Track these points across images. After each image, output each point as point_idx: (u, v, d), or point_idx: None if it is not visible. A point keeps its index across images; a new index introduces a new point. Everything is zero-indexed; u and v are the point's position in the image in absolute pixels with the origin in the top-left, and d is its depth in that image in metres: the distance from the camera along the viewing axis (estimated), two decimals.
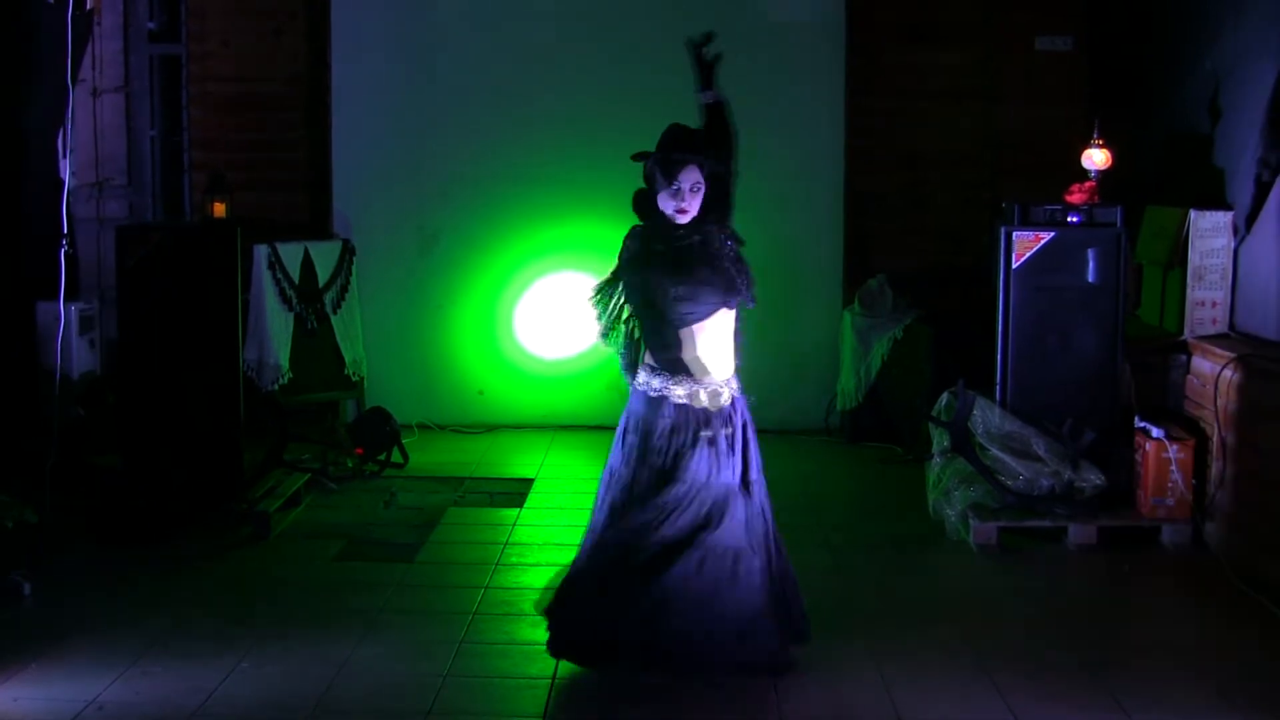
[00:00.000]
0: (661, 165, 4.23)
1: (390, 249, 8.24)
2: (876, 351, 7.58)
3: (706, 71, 4.38)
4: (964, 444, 5.92)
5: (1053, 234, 5.96)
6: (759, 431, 4.44)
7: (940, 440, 6.13)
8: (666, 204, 4.24)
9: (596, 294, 4.47)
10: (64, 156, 6.75)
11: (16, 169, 6.59)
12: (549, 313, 8.27)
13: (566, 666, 4.35)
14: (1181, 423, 5.96)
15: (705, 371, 4.29)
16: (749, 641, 4.23)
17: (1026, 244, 5.97)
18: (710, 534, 4.19)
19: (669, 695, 4.15)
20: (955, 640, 4.65)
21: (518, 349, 8.37)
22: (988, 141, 8.22)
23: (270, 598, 5.09)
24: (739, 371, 4.39)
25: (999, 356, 6.03)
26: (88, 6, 7.64)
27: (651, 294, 4.26)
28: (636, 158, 4.31)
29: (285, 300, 7.15)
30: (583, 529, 4.54)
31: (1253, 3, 6.27)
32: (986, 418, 5.92)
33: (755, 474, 4.36)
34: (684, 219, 4.24)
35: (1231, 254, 6.24)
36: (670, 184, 4.21)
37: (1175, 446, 5.72)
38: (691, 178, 4.21)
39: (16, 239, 6.54)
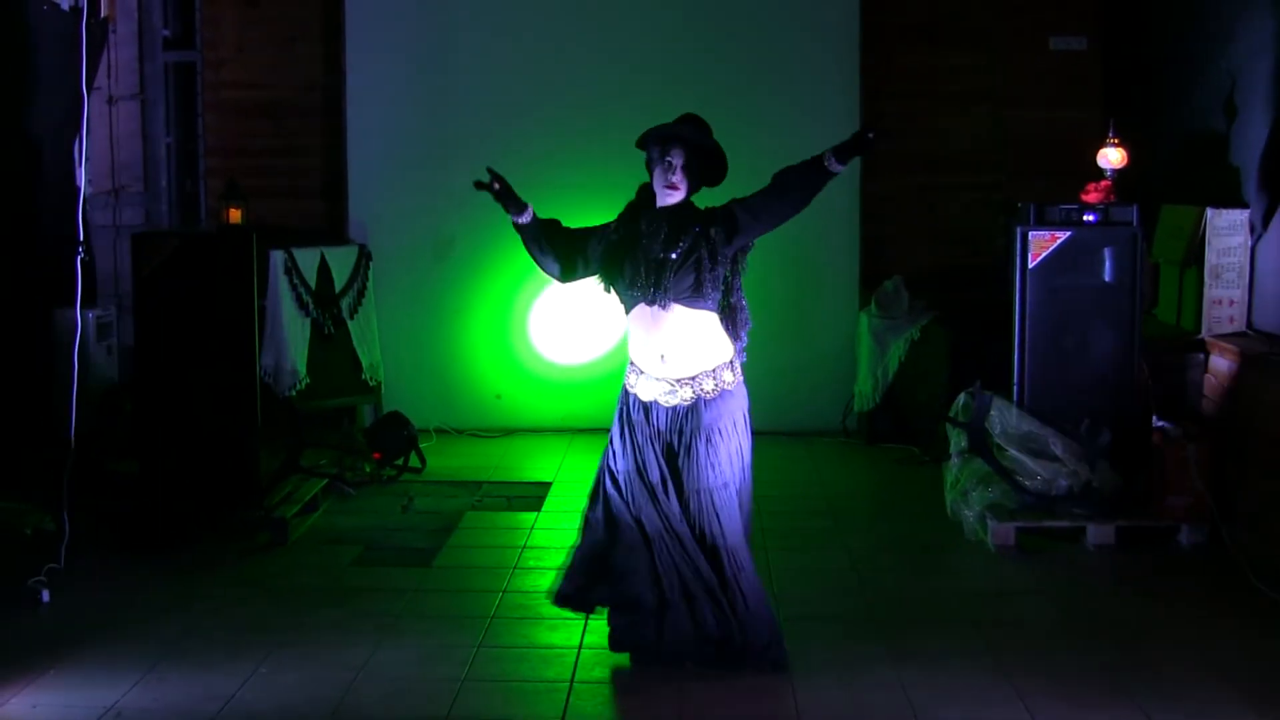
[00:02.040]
0: (649, 140, 4.31)
1: (406, 254, 8.25)
2: (893, 353, 7.56)
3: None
4: (981, 445, 5.90)
5: (1069, 233, 5.94)
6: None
7: (958, 441, 6.11)
8: (658, 182, 4.30)
9: None
10: (80, 164, 6.76)
11: (33, 177, 6.62)
12: (565, 317, 8.27)
13: (584, 670, 4.36)
14: (1199, 421, 5.94)
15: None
16: None
17: (1043, 244, 5.95)
18: None
19: (687, 696, 4.15)
20: (973, 641, 4.63)
21: (534, 353, 8.38)
22: (1002, 142, 8.21)
23: (287, 603, 5.10)
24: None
25: (1015, 356, 6.01)
26: (102, 14, 7.66)
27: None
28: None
29: (302, 306, 7.16)
30: None
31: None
32: (1004, 418, 5.90)
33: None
34: (674, 196, 4.28)
35: (1249, 252, 6.22)
36: (659, 158, 4.27)
37: (1193, 446, 5.69)
38: (679, 156, 4.25)
39: (34, 247, 6.57)
